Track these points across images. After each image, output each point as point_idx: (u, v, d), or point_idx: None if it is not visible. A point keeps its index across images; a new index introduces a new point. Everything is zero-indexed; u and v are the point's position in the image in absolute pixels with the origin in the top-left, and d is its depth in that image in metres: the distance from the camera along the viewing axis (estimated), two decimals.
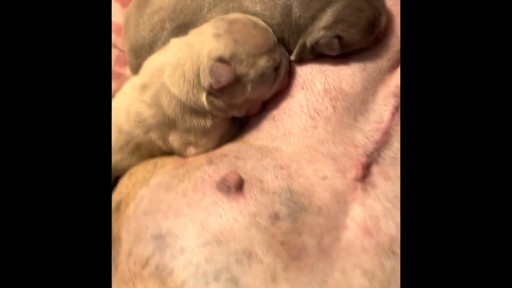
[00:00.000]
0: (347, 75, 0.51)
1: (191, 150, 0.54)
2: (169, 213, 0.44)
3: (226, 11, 0.52)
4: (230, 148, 0.52)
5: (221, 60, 0.47)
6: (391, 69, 0.52)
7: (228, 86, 0.48)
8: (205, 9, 0.53)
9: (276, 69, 0.50)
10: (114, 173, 0.62)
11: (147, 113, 0.53)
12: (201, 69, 0.48)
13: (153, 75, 0.52)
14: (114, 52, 0.61)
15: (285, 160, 0.48)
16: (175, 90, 0.50)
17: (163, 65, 0.51)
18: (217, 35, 0.48)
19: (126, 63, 0.62)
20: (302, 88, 0.52)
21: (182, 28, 0.54)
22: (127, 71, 0.62)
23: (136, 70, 0.60)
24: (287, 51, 0.53)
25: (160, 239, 0.43)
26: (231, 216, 0.43)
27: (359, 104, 0.50)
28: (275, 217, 0.44)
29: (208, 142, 0.54)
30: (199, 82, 0.49)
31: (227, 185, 0.45)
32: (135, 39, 0.58)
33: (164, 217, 0.44)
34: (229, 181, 0.45)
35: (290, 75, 0.53)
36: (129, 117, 0.55)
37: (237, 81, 0.48)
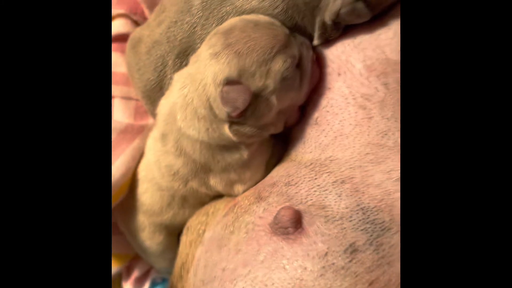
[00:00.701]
0: (389, 39, 0.40)
1: (239, 188, 0.46)
2: (225, 280, 0.36)
3: (221, 20, 0.43)
4: (278, 172, 0.43)
5: (229, 82, 0.39)
6: None
7: (249, 108, 0.39)
8: (198, 26, 0.45)
9: (298, 65, 0.40)
10: (173, 231, 0.56)
11: (177, 163, 0.46)
12: (211, 100, 0.40)
13: (167, 123, 0.45)
14: (131, 105, 0.56)
15: (345, 171, 0.38)
16: (193, 133, 0.42)
17: (173, 109, 0.43)
18: (215, 55, 0.40)
19: (146, 112, 0.56)
20: (339, 74, 0.41)
21: (183, 57, 0.47)
22: (150, 121, 0.56)
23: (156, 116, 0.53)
24: (306, 37, 0.43)
25: None
26: (298, 265, 0.34)
27: None
28: (353, 249, 0.34)
29: (253, 174, 0.46)
30: (215, 115, 0.41)
31: (282, 226, 0.36)
32: (142, 84, 0.51)
33: (221, 287, 0.36)
34: (282, 220, 0.36)
35: (320, 64, 0.43)
36: (162, 172, 0.48)
37: (256, 98, 0.39)
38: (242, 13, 0.42)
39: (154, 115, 0.53)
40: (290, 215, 0.36)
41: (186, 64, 0.46)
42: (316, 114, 0.42)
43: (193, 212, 0.52)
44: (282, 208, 0.36)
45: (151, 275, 0.67)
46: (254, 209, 0.40)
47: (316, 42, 0.42)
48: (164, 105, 0.45)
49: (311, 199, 0.38)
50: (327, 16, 0.40)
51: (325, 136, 0.41)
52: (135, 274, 0.66)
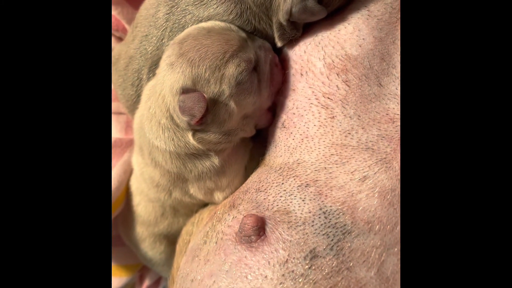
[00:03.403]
0: (349, 34, 0.38)
1: (218, 195, 0.46)
2: None
3: (184, 30, 0.44)
4: (252, 178, 0.43)
5: (185, 91, 0.39)
6: None
7: (207, 115, 0.39)
8: (165, 38, 0.45)
9: (255, 68, 0.40)
10: (174, 239, 0.57)
11: (156, 175, 0.46)
12: (171, 110, 0.40)
13: (140, 135, 0.45)
14: (122, 119, 0.57)
15: (310, 174, 0.37)
16: (160, 144, 0.42)
17: (142, 121, 0.44)
18: (170, 65, 0.40)
19: None
20: (301, 74, 0.40)
21: (154, 69, 0.47)
22: None
23: None
24: (269, 39, 0.42)
25: None
26: (259, 273, 0.34)
27: (378, 62, 0.37)
28: (312, 255, 0.33)
29: (231, 181, 0.45)
30: (177, 125, 0.41)
31: (245, 234, 0.36)
32: (125, 99, 0.52)
33: None
34: (245, 229, 0.36)
35: (284, 65, 0.42)
36: (147, 184, 0.49)
37: (214, 104, 0.39)
38: (201, 21, 0.42)
39: None
40: (252, 222, 0.35)
41: None
42: (283, 117, 0.42)
43: (187, 219, 0.53)
44: (245, 216, 0.36)
45: (162, 283, 0.69)
46: (226, 217, 0.40)
47: (279, 43, 0.42)
48: (136, 118, 0.46)
49: (277, 205, 0.37)
50: (281, 16, 0.39)
51: (293, 139, 0.40)
52: (146, 283, 0.68)
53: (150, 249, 0.57)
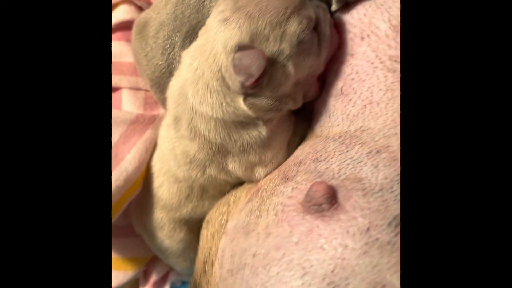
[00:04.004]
0: None
1: (260, 171, 0.43)
2: (257, 266, 0.33)
3: None
4: (303, 150, 0.40)
5: (241, 48, 0.35)
6: None
7: (264, 76, 0.36)
8: (207, 0, 0.42)
9: (315, 28, 0.37)
10: (193, 226, 0.53)
11: (193, 148, 0.43)
12: (223, 70, 0.37)
13: (179, 104, 0.41)
14: (140, 95, 0.53)
15: (380, 140, 0.35)
16: (207, 109, 0.39)
17: (183, 87, 0.40)
18: (224, 20, 0.36)
19: (156, 102, 0.53)
20: (362, 38, 0.38)
21: (192, 35, 0.44)
22: (160, 111, 0.52)
23: (166, 104, 0.50)
24: (324, 2, 0.39)
25: None
26: (337, 243, 0.31)
27: None
28: (397, 222, 0.30)
29: (275, 155, 0.42)
30: (228, 87, 0.37)
31: (315, 203, 0.32)
32: (151, 71, 0.48)
33: (253, 273, 0.33)
34: (315, 197, 0.32)
35: (340, 30, 0.40)
36: (178, 161, 0.45)
37: (271, 65, 0.36)
38: None
39: (164, 104, 0.50)
40: (323, 190, 0.32)
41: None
42: (339, 84, 0.39)
43: (213, 203, 0.49)
44: (314, 184, 0.33)
45: (170, 279, 0.64)
46: (281, 189, 0.37)
47: (334, 6, 0.39)
48: (174, 85, 0.42)
49: (345, 173, 0.34)
50: None
51: (353, 106, 0.38)
52: (153, 278, 0.63)
53: (168, 237, 0.53)
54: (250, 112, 0.38)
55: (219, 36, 0.36)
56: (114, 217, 0.50)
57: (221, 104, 0.38)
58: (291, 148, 0.43)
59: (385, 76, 0.36)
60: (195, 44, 0.40)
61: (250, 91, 0.37)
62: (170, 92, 0.43)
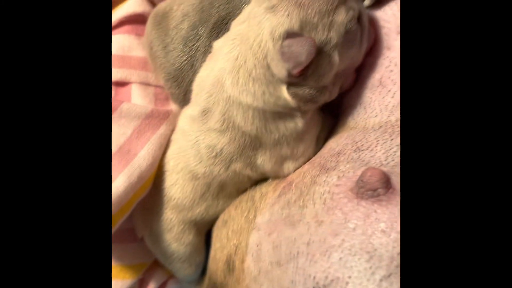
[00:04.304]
0: None
1: (289, 165, 0.42)
2: (313, 253, 0.32)
3: None
4: (338, 143, 0.40)
5: (290, 35, 0.35)
6: None
7: (310, 65, 0.36)
8: None
9: (358, 19, 0.37)
10: (202, 228, 0.51)
11: (222, 141, 0.41)
12: (269, 58, 0.36)
13: (211, 94, 0.40)
14: (150, 90, 0.50)
15: None
16: (247, 98, 0.38)
17: (219, 77, 0.39)
18: (272, 8, 0.36)
19: (167, 98, 0.51)
20: (398, 32, 0.39)
21: (220, 26, 0.43)
22: (172, 106, 0.51)
23: (183, 100, 0.49)
24: None
25: None
26: (399, 226, 0.30)
27: None
28: None
29: (306, 148, 0.42)
30: (272, 75, 0.37)
31: (369, 188, 0.32)
32: (169, 64, 0.46)
33: (311, 261, 0.32)
34: (370, 182, 0.32)
35: (373, 25, 0.41)
36: (201, 156, 0.43)
37: (318, 53, 0.36)
38: None
39: (179, 100, 0.49)
40: (378, 175, 0.32)
41: (223, 34, 0.42)
42: (376, 76, 0.40)
43: (227, 203, 0.48)
44: (368, 169, 0.32)
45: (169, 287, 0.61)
46: (325, 179, 0.36)
47: (367, 2, 0.40)
48: (205, 76, 0.41)
49: (393, 160, 0.34)
50: None
51: (392, 97, 0.38)
52: (151, 287, 0.59)
53: (176, 239, 0.50)
54: (292, 102, 0.37)
55: (265, 23, 0.36)
56: (122, 218, 0.47)
57: (263, 92, 0.37)
58: (319, 143, 0.43)
59: None
60: (232, 33, 0.39)
61: (294, 80, 0.36)
62: (198, 83, 0.42)
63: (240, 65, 0.37)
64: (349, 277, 0.29)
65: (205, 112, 0.41)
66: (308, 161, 0.42)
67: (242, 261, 0.40)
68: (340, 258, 0.30)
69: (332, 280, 0.30)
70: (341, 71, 0.39)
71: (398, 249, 0.29)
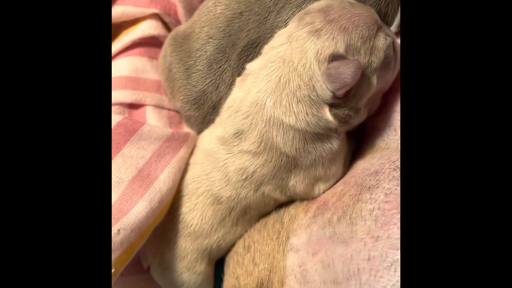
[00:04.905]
0: None
1: (320, 187, 0.43)
2: (378, 268, 0.32)
3: (299, 7, 0.42)
4: (372, 163, 0.41)
5: (335, 57, 0.36)
6: None
7: (354, 87, 0.37)
8: (272, 13, 0.42)
9: (393, 45, 0.40)
10: (215, 257, 0.49)
11: (255, 164, 0.41)
12: (314, 80, 0.37)
13: (248, 116, 0.40)
14: (164, 113, 0.49)
15: None
16: (290, 120, 0.38)
17: (258, 98, 0.39)
18: (316, 32, 0.37)
19: (180, 122, 0.50)
20: None
21: (249, 50, 0.43)
22: (186, 129, 0.49)
23: (201, 123, 0.48)
24: None
25: None
26: None
27: None
28: None
29: (337, 170, 0.43)
30: (317, 96, 0.38)
31: None
32: (190, 86, 0.46)
33: (375, 276, 0.32)
34: None
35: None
36: (228, 178, 0.43)
37: (361, 76, 0.37)
38: None
39: (197, 123, 0.48)
40: None
41: (253, 57, 0.43)
42: None
43: (245, 229, 0.47)
44: None
45: None
46: (370, 197, 0.37)
47: (394, 29, 0.43)
48: (242, 97, 0.41)
49: None
50: None
51: None
52: None
53: (188, 269, 0.48)
54: (333, 123, 0.38)
55: (309, 46, 0.37)
56: (141, 245, 0.45)
57: (307, 114, 0.38)
58: (346, 165, 0.44)
59: None
60: (271, 56, 0.39)
61: (337, 101, 0.37)
62: (231, 105, 0.42)
63: (284, 86, 0.38)
64: None
65: (239, 134, 0.41)
66: (337, 182, 0.43)
67: (282, 284, 0.39)
68: None
69: None
70: (373, 95, 0.41)
71: None
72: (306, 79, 0.37)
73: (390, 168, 0.39)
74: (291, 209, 0.44)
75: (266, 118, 0.39)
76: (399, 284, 0.31)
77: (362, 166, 0.42)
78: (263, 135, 0.39)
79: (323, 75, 0.36)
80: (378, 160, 0.40)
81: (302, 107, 0.38)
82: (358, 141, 0.47)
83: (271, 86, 0.39)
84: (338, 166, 0.42)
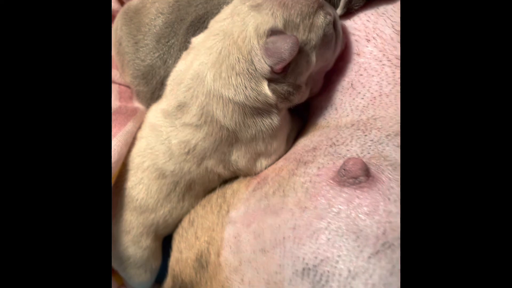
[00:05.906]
0: None
1: (262, 162, 0.43)
2: (300, 236, 0.33)
3: None
4: (312, 140, 0.42)
5: (274, 32, 0.37)
6: None
7: (291, 63, 0.38)
8: None
9: (334, 25, 0.40)
10: (162, 233, 0.49)
11: (196, 137, 0.41)
12: (253, 53, 0.38)
13: (189, 88, 0.40)
14: (115, 88, 0.49)
15: (394, 126, 0.38)
16: (229, 93, 0.39)
17: (199, 71, 0.40)
18: (256, 7, 0.38)
19: (131, 97, 0.50)
20: (368, 40, 0.43)
21: (197, 25, 0.44)
22: (136, 105, 0.50)
23: (150, 98, 0.48)
24: None
25: (311, 272, 0.31)
26: (382, 209, 0.32)
27: None
28: None
29: (279, 146, 0.43)
30: (255, 70, 0.38)
31: (352, 176, 0.34)
32: (139, 60, 0.46)
33: (298, 244, 0.33)
34: (352, 170, 0.34)
35: (344, 32, 0.44)
36: (171, 152, 0.43)
37: (299, 52, 0.38)
38: None
39: (145, 98, 0.48)
40: (360, 164, 0.34)
41: (200, 32, 0.43)
42: (346, 79, 0.42)
43: (192, 206, 0.47)
44: (349, 159, 0.34)
45: None
46: (304, 171, 0.37)
47: (339, 11, 0.43)
48: (185, 70, 0.41)
49: (368, 153, 0.37)
50: None
51: (362, 98, 0.41)
52: None
53: (134, 243, 0.48)
54: (272, 98, 0.39)
55: (250, 20, 0.37)
56: None
57: (245, 87, 0.38)
58: (289, 142, 0.45)
59: (393, 72, 0.41)
60: (214, 29, 0.40)
61: (275, 76, 0.38)
62: (174, 77, 0.42)
63: (224, 59, 0.38)
64: (339, 255, 0.31)
65: (181, 107, 0.41)
66: (279, 158, 0.43)
67: (218, 255, 0.39)
68: (328, 239, 0.32)
69: (322, 260, 0.31)
70: (314, 73, 0.41)
71: (382, 229, 0.31)
72: (245, 52, 0.38)
73: (327, 145, 0.39)
74: (234, 184, 0.45)
75: (206, 91, 0.39)
76: (320, 250, 0.32)
77: (303, 143, 0.42)
78: (204, 107, 0.40)
79: (262, 49, 0.37)
80: (317, 138, 0.41)
81: (241, 80, 0.38)
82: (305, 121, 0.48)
83: (212, 59, 0.39)
84: (279, 142, 0.43)
